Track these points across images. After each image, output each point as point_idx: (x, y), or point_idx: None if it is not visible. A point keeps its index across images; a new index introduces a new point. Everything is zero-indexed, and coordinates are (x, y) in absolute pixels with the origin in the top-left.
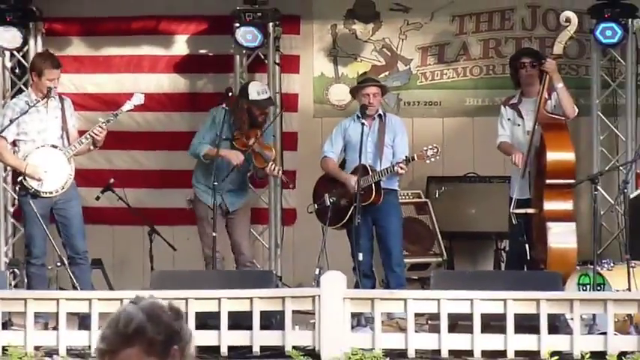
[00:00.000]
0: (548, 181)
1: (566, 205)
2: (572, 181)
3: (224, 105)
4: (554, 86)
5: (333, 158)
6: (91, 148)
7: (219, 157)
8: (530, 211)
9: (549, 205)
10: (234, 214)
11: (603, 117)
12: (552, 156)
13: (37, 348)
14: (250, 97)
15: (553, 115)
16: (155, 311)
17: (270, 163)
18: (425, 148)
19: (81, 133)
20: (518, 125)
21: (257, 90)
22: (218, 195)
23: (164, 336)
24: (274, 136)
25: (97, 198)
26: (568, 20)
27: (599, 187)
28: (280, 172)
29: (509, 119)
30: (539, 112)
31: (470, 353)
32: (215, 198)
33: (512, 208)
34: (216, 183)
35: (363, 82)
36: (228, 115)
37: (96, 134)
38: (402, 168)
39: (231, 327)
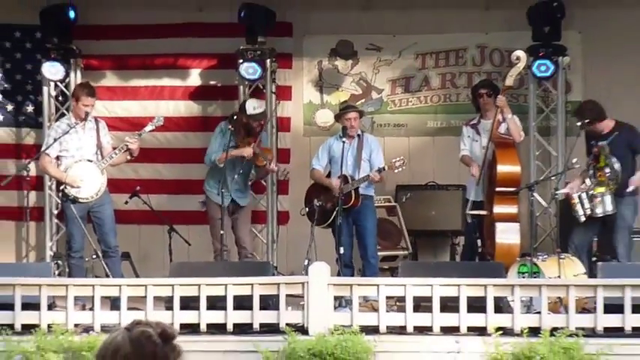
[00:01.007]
0: (497, 189)
1: (512, 209)
2: (516, 189)
3: (230, 126)
4: (504, 117)
5: (319, 170)
6: (128, 157)
7: (231, 157)
8: (482, 212)
9: (498, 209)
10: (238, 213)
11: (539, 136)
12: (502, 169)
13: (76, 325)
14: (248, 112)
15: (504, 136)
16: (141, 341)
17: (269, 162)
18: (394, 160)
19: (114, 148)
20: (476, 141)
21: (253, 105)
22: (228, 195)
23: None
24: (270, 148)
25: (126, 202)
26: (518, 58)
27: (535, 194)
28: (278, 167)
29: (469, 136)
30: (493, 133)
31: (430, 329)
32: (223, 201)
33: (468, 209)
34: (223, 190)
35: (345, 108)
36: (232, 132)
37: (130, 145)
38: (376, 176)
39: (235, 308)
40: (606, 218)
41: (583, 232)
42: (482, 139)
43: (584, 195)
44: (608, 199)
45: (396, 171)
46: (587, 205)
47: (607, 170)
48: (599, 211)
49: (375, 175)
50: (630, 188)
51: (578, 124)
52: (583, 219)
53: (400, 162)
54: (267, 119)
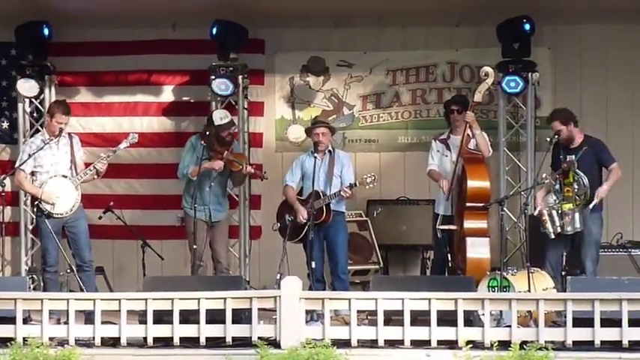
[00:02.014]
0: (467, 204)
1: (482, 224)
2: (486, 204)
3: (202, 141)
4: (473, 133)
5: (292, 186)
6: (95, 177)
7: (203, 169)
8: (452, 227)
9: (468, 224)
10: (216, 227)
11: (508, 152)
12: (472, 184)
13: (51, 339)
14: (215, 123)
15: (473, 151)
16: None
17: (245, 165)
18: (365, 176)
19: (87, 164)
20: (446, 156)
21: (219, 116)
22: (205, 209)
23: None
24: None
25: (100, 217)
26: (487, 74)
27: (505, 209)
28: (253, 168)
29: (438, 151)
30: (462, 148)
31: (401, 342)
32: (195, 215)
33: (438, 224)
34: (196, 205)
35: (314, 124)
36: (204, 147)
37: (99, 168)
38: (346, 192)
39: (208, 322)
40: (575, 233)
41: (556, 248)
42: (452, 154)
43: (554, 212)
44: (577, 216)
45: (367, 187)
46: (557, 222)
47: (575, 186)
48: (569, 229)
49: (346, 191)
50: (595, 200)
51: (548, 138)
52: (552, 236)
53: (371, 178)
54: (236, 127)
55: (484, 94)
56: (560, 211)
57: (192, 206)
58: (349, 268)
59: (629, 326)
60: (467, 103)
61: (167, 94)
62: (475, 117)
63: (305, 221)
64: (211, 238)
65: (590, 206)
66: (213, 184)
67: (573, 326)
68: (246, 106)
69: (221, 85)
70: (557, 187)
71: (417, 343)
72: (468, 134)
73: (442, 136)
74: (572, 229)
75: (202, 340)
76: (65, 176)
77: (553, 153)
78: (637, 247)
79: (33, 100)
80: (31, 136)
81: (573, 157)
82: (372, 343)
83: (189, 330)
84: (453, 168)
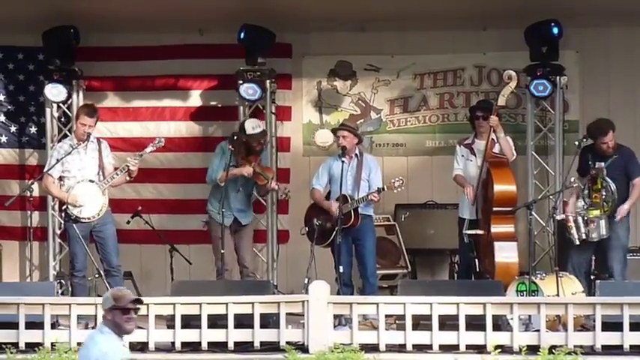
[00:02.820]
0: (495, 209)
1: (509, 228)
2: (513, 208)
3: (230, 146)
4: (497, 136)
5: (319, 189)
6: (127, 178)
7: (232, 175)
8: (480, 232)
9: (495, 228)
10: (240, 233)
11: (536, 156)
12: (498, 188)
13: (79, 344)
14: (247, 132)
15: (498, 155)
16: None
17: (270, 180)
18: (393, 180)
19: (116, 169)
20: (471, 161)
21: (252, 125)
22: (230, 214)
23: None
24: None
25: (128, 222)
26: (510, 78)
27: (533, 213)
28: (278, 186)
29: (462, 156)
30: (487, 152)
31: (430, 347)
32: (223, 220)
33: (464, 228)
34: (223, 210)
35: (338, 127)
36: (232, 153)
37: (131, 167)
38: (374, 196)
39: (236, 326)
40: (601, 239)
41: (580, 252)
42: (477, 159)
43: (580, 219)
44: (602, 223)
45: (395, 191)
46: (583, 229)
47: (603, 192)
48: (594, 235)
49: (374, 195)
50: (617, 218)
51: (576, 142)
52: (577, 242)
53: (399, 182)
54: (266, 138)
55: (508, 97)
56: (586, 218)
57: (219, 211)
58: (377, 272)
59: None
60: (491, 108)
61: (194, 99)
62: (500, 121)
63: (334, 224)
64: (236, 243)
65: (617, 218)
66: (241, 189)
67: (602, 330)
68: (273, 111)
69: (249, 90)
70: (586, 192)
71: (446, 348)
72: (492, 138)
73: (467, 141)
74: (598, 236)
75: (230, 345)
76: (92, 181)
77: (581, 158)
78: None
79: (61, 105)
80: (59, 141)
81: (603, 164)
82: (400, 348)
83: (217, 335)
84: (478, 172)
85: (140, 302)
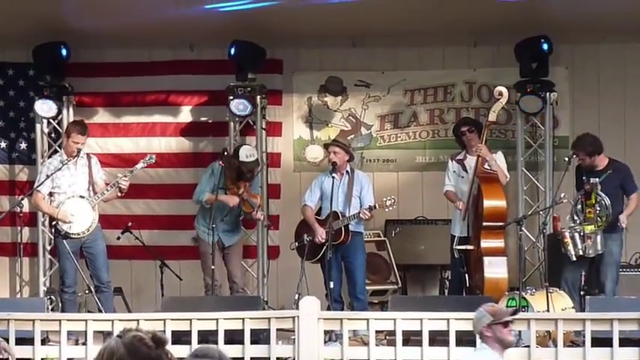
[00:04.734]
0: (484, 224)
1: (499, 243)
2: (503, 223)
3: (220, 162)
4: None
5: (310, 206)
6: (118, 194)
7: (218, 201)
8: (470, 247)
9: (485, 243)
10: (229, 249)
11: (526, 171)
12: (488, 204)
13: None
14: (240, 159)
15: (488, 170)
16: (134, 345)
17: (256, 209)
18: (384, 199)
19: (107, 184)
20: (462, 177)
21: (246, 153)
22: (216, 234)
23: None
24: (261, 187)
25: (118, 238)
26: (500, 94)
27: (523, 228)
28: (263, 216)
29: (454, 171)
30: (477, 168)
31: None
32: (213, 237)
33: (454, 244)
34: (214, 225)
35: (330, 142)
36: (223, 170)
37: (122, 185)
38: (365, 214)
39: (227, 342)
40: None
41: (574, 268)
42: (469, 175)
43: (576, 235)
44: (598, 239)
45: (386, 210)
46: (579, 245)
47: (597, 207)
48: (591, 251)
49: (365, 213)
50: (623, 225)
51: (566, 158)
52: (574, 259)
53: (391, 201)
54: (259, 168)
55: (498, 113)
56: (582, 234)
57: (208, 228)
58: (367, 288)
59: None
60: (476, 122)
61: (185, 115)
62: (491, 137)
63: (323, 241)
64: (225, 260)
65: (623, 225)
66: (227, 216)
67: (592, 346)
68: (264, 127)
69: (239, 106)
70: (579, 207)
71: None
72: (482, 158)
73: (458, 157)
74: (594, 252)
75: None
76: (83, 197)
77: (576, 174)
78: None
79: (51, 120)
80: (49, 156)
81: (597, 179)
82: None
83: None
84: (469, 188)
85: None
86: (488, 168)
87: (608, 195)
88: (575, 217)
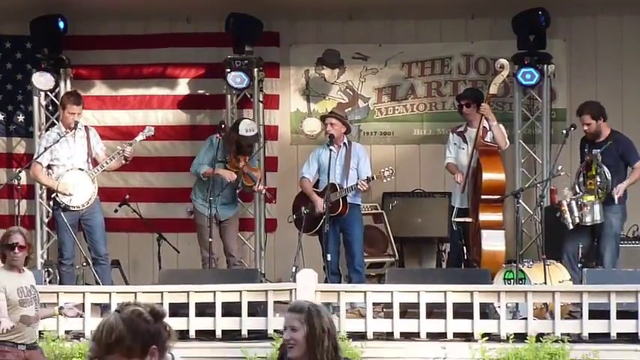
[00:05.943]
0: (483, 197)
1: (497, 216)
2: (501, 196)
3: (218, 135)
4: (489, 125)
5: (308, 179)
6: (123, 162)
7: (216, 175)
8: (468, 220)
9: (483, 216)
10: (226, 222)
11: (524, 144)
12: (487, 177)
13: (67, 332)
14: (240, 133)
15: (488, 143)
16: (133, 320)
17: (257, 182)
18: (382, 170)
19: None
20: (463, 149)
21: (246, 128)
22: (213, 207)
23: (141, 341)
24: (258, 160)
25: (116, 210)
26: (502, 66)
27: (520, 201)
28: (264, 189)
29: (455, 144)
30: (477, 140)
31: (417, 335)
32: (211, 210)
33: (453, 216)
34: (212, 198)
35: (327, 114)
36: (222, 143)
37: (127, 154)
38: (363, 185)
39: (224, 314)
40: (595, 226)
41: (574, 239)
42: (469, 147)
43: (573, 203)
44: (597, 207)
45: (384, 180)
46: (576, 213)
47: (598, 179)
48: (588, 219)
49: (363, 184)
50: (616, 196)
51: (564, 131)
52: (571, 227)
53: (389, 172)
54: (259, 142)
55: (499, 86)
56: (579, 202)
57: (206, 200)
58: (365, 260)
59: None
60: (476, 96)
61: (182, 87)
62: (491, 109)
63: (321, 213)
64: (222, 233)
65: (616, 197)
66: (225, 189)
67: (589, 318)
68: (261, 99)
69: (236, 78)
70: (581, 179)
71: (433, 336)
72: (484, 127)
73: (459, 129)
74: (592, 221)
75: (218, 333)
76: (82, 169)
77: (581, 148)
78: None
79: (48, 93)
80: (47, 129)
81: (598, 150)
82: (388, 336)
83: (205, 323)
84: (469, 161)
85: None
86: (489, 140)
87: (608, 166)
88: (578, 190)
